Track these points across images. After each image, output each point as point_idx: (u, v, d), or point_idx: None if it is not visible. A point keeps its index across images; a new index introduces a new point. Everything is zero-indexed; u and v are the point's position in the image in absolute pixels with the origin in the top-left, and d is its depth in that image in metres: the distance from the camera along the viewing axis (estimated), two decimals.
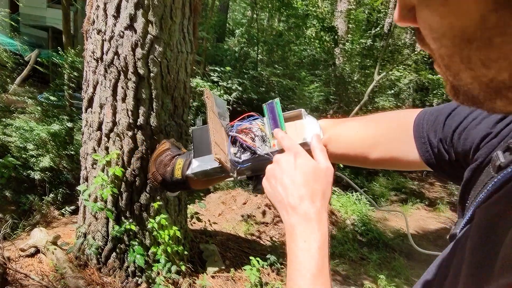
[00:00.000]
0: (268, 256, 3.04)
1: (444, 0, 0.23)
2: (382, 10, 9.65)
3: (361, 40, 10.11)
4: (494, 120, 0.45)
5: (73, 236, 2.69)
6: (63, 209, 3.93)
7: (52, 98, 5.20)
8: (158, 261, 2.37)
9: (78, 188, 2.34)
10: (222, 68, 8.12)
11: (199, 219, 2.80)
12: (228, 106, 8.51)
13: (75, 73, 5.05)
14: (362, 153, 0.67)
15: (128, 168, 2.23)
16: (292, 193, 0.56)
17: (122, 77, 2.12)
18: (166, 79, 2.21)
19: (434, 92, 13.18)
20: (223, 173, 0.73)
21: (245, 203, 4.57)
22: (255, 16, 11.09)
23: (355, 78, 8.72)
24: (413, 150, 0.59)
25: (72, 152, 4.92)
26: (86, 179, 2.39)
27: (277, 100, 0.71)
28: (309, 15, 10.97)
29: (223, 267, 2.76)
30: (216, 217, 4.41)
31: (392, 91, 12.94)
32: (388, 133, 0.66)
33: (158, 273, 2.37)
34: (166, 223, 2.32)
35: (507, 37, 0.22)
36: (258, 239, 3.81)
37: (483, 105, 0.28)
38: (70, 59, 4.89)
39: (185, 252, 2.52)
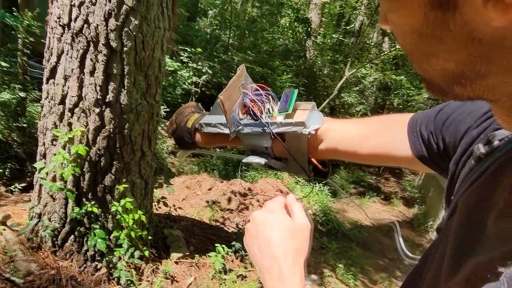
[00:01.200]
0: (233, 243, 3.03)
1: (399, 5, 0.29)
2: (357, 8, 9.82)
3: (333, 35, 10.26)
4: (479, 114, 0.48)
5: (25, 216, 2.49)
6: (12, 186, 3.62)
7: (3, 63, 4.71)
8: (120, 246, 2.27)
9: (35, 165, 2.15)
10: (192, 49, 7.85)
11: (165, 204, 2.72)
12: (197, 89, 8.30)
13: (31, 39, 4.61)
14: (353, 146, 0.69)
15: (93, 147, 2.08)
16: (266, 254, 0.54)
17: (91, 48, 1.95)
18: (140, 55, 2.08)
19: (396, 92, 13.82)
20: (225, 128, 0.76)
21: (210, 189, 4.51)
22: None
23: (325, 72, 8.86)
24: (404, 145, 0.61)
25: (24, 125, 4.53)
26: (44, 156, 2.21)
27: (296, 90, 0.74)
28: (284, 4, 10.91)
29: (187, 253, 2.72)
30: (180, 201, 4.32)
31: (357, 88, 13.37)
32: (382, 128, 0.68)
33: (120, 258, 2.28)
34: (131, 206, 2.22)
35: (447, 32, 0.27)
36: (222, 226, 3.80)
37: (447, 93, 0.33)
38: (26, 22, 4.44)
39: (149, 237, 2.43)
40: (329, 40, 10.10)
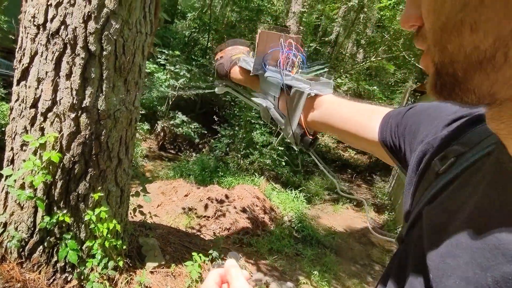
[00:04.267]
0: (210, 251, 2.99)
1: None
2: (335, 19, 10.08)
3: (310, 44, 10.46)
4: (444, 123, 0.48)
5: None
6: None
7: None
8: (93, 256, 2.18)
9: (2, 172, 2.03)
10: (170, 51, 7.73)
11: (142, 213, 2.64)
12: (174, 92, 8.17)
13: None
14: (338, 123, 0.73)
15: (67, 154, 1.99)
16: None
17: (68, 51, 1.88)
18: (120, 60, 2.02)
19: (369, 102, 14.25)
20: (253, 66, 0.84)
21: (186, 195, 4.44)
22: (208, 1, 10.76)
23: None
24: (374, 130, 0.65)
25: None
26: (12, 162, 2.09)
27: (326, 65, 0.85)
28: (263, 11, 11.00)
29: (163, 262, 2.65)
30: (155, 208, 4.22)
31: None
32: (365, 111, 0.71)
33: (92, 269, 2.18)
34: (106, 215, 2.14)
35: None
36: (199, 233, 3.74)
37: (460, 86, 0.29)
38: None
39: (124, 247, 2.36)
40: (306, 49, 10.30)
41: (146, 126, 8.12)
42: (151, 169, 6.72)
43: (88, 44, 1.89)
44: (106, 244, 2.17)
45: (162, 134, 8.49)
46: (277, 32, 0.83)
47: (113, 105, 2.06)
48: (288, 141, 0.89)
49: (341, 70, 8.63)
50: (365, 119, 0.69)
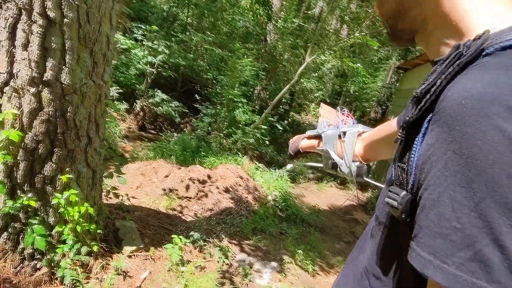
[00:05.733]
0: (191, 233, 2.91)
1: None
2: None
3: (293, 20, 10.18)
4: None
5: None
6: None
7: None
8: (64, 242, 2.05)
9: None
10: (147, 26, 7.34)
11: (116, 195, 2.50)
12: (152, 70, 7.84)
13: None
14: (376, 137, 0.92)
15: (29, 133, 1.82)
16: None
17: (24, 17, 1.67)
18: (84, 29, 1.82)
19: (353, 79, 14.25)
20: (317, 128, 1.12)
21: (167, 176, 4.31)
22: None
23: (285, 57, 8.80)
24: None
25: None
26: None
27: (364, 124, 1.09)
28: None
29: (141, 246, 2.55)
30: (134, 189, 4.08)
31: (316, 74, 13.54)
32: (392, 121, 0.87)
33: (64, 255, 2.06)
34: (77, 198, 2.00)
35: None
36: (180, 215, 3.65)
37: (398, 33, 0.57)
38: None
39: (99, 231, 2.23)
40: (289, 25, 10.02)
41: (125, 105, 7.81)
42: (131, 150, 6.51)
43: (47, 10, 1.68)
44: (78, 228, 2.04)
45: (141, 113, 8.21)
46: (332, 111, 1.18)
47: (78, 79, 1.88)
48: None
49: (325, 47, 8.48)
50: (393, 121, 0.84)
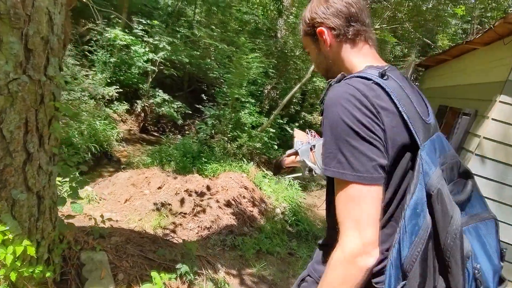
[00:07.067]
0: (178, 266, 2.36)
1: (308, 47, 1.08)
2: None
3: None
4: None
5: None
6: None
7: None
8: None
9: None
10: (148, 21, 6.84)
11: (69, 228, 1.95)
12: (154, 67, 7.33)
13: None
14: None
15: None
16: None
17: None
18: (7, 1, 1.28)
19: None
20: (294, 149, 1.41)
21: (160, 188, 3.78)
22: None
23: (296, 54, 8.18)
24: None
25: None
26: None
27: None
28: None
29: (111, 287, 2.01)
30: (121, 204, 3.56)
31: None
32: None
33: None
34: (10, 236, 1.46)
35: (321, 55, 1.03)
36: (171, 236, 3.10)
37: (328, 77, 1.06)
38: None
39: (48, 274, 1.70)
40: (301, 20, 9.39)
41: (126, 106, 7.34)
42: (128, 154, 6.03)
43: None
44: (12, 276, 1.50)
45: (143, 114, 7.74)
46: (302, 130, 1.51)
47: (3, 72, 1.34)
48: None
49: None
50: None
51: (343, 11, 0.92)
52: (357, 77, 0.83)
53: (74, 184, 1.78)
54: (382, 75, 0.82)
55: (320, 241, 1.08)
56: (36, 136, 1.55)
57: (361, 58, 0.94)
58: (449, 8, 8.25)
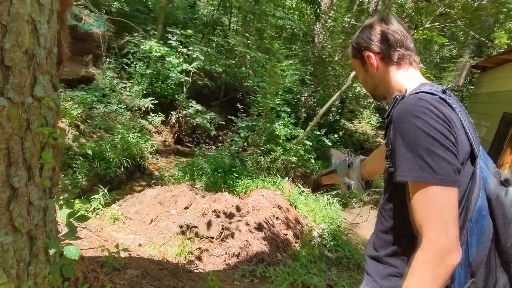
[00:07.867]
0: None
1: (357, 68, 1.18)
2: None
3: (344, 18, 9.03)
4: None
5: None
6: None
7: None
8: None
9: None
10: (182, 32, 6.77)
11: (104, 249, 1.70)
12: (188, 78, 7.24)
13: None
14: (374, 168, 1.39)
15: None
16: None
17: None
18: None
19: None
20: (331, 167, 1.58)
21: (187, 207, 3.52)
22: None
23: (335, 59, 7.69)
24: None
25: None
26: None
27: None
28: None
29: None
30: (147, 224, 3.35)
31: None
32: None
33: None
34: None
35: (361, 72, 1.15)
36: (196, 263, 2.81)
37: (377, 96, 1.16)
38: None
39: None
40: (339, 24, 8.89)
41: (161, 117, 7.32)
42: (161, 167, 5.91)
43: None
44: None
45: (177, 125, 7.67)
46: (339, 150, 1.65)
47: None
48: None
49: None
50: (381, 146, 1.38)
51: (389, 38, 1.04)
52: (423, 92, 0.89)
53: (72, 220, 1.54)
54: (443, 91, 0.91)
55: (377, 253, 1.05)
56: (23, 168, 1.32)
57: (410, 78, 1.04)
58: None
